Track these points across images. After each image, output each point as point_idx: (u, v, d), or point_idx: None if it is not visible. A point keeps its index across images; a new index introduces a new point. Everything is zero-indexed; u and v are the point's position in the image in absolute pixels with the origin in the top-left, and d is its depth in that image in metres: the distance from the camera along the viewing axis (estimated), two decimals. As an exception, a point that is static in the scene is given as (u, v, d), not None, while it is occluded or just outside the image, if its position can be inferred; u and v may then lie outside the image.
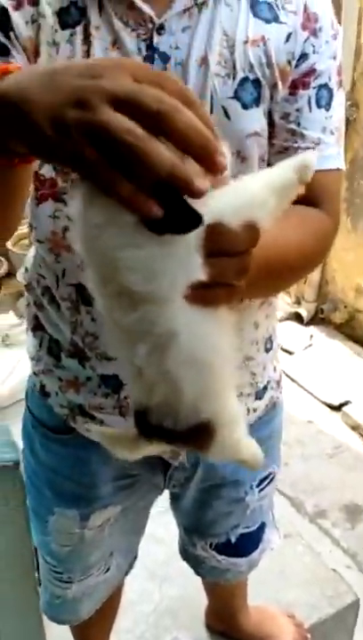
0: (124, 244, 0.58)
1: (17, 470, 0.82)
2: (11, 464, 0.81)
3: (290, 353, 2.88)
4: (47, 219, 0.92)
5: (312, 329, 3.08)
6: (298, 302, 3.11)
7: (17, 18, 0.84)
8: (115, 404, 1.01)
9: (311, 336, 3.03)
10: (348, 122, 2.65)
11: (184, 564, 1.58)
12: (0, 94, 0.59)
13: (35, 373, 1.11)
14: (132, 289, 0.59)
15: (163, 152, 0.54)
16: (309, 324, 3.10)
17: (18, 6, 0.84)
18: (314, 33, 0.88)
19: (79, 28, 0.84)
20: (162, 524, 1.49)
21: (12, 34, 0.84)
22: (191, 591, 1.68)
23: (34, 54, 0.85)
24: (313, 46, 0.88)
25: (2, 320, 2.71)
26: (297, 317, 3.09)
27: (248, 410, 1.10)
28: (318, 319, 3.12)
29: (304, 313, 3.07)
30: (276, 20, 0.87)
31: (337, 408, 2.67)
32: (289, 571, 1.76)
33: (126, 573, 1.39)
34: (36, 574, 0.90)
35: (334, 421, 2.63)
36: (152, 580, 1.74)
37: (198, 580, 1.58)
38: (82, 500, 1.15)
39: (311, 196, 0.89)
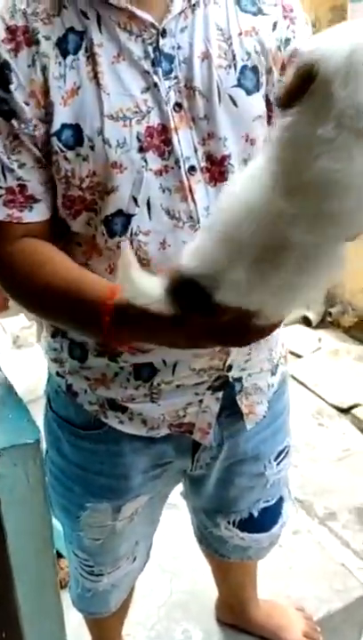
0: None
1: (37, 448, 0.85)
2: (31, 442, 0.84)
3: (299, 356, 2.90)
4: (84, 226, 0.97)
5: (321, 332, 3.10)
6: (306, 306, 3.13)
7: (18, 64, 0.89)
8: (146, 392, 1.06)
9: (320, 339, 3.05)
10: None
11: (194, 560, 1.60)
12: None
13: (59, 375, 1.13)
14: None
15: None
16: (317, 327, 3.11)
17: (17, 50, 0.89)
18: (292, 21, 0.99)
19: (81, 52, 0.90)
20: (170, 521, 1.51)
21: (11, 86, 0.90)
22: (201, 585, 1.70)
23: (43, 94, 0.90)
24: (293, 32, 0.99)
25: (12, 322, 2.74)
26: (305, 321, 3.10)
27: (268, 385, 1.14)
28: (326, 322, 3.14)
29: (313, 316, 3.09)
30: (260, 12, 0.97)
31: (346, 411, 2.68)
32: (298, 566, 1.78)
33: (145, 562, 1.41)
34: (55, 550, 0.92)
35: (343, 424, 2.63)
36: (162, 575, 1.76)
37: (208, 575, 1.60)
38: (114, 493, 1.18)
39: None
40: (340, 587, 1.71)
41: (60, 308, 0.94)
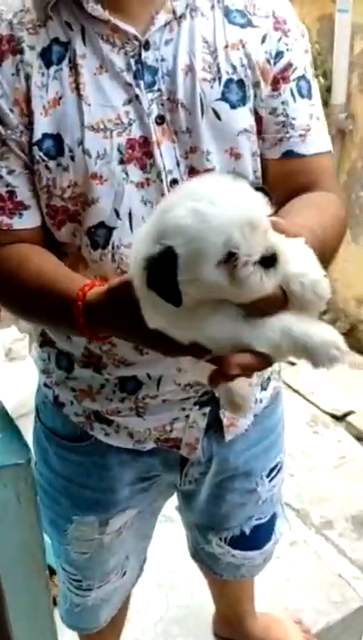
0: None
1: (28, 469, 0.84)
2: (22, 462, 0.83)
3: (293, 364, 2.88)
4: (70, 236, 0.96)
5: (314, 340, 3.09)
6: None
7: (3, 73, 0.90)
8: (131, 405, 1.05)
9: (313, 347, 3.04)
10: (344, 133, 2.69)
11: (190, 573, 1.58)
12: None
13: (46, 385, 1.13)
14: None
15: None
16: (311, 335, 3.10)
17: (0, 60, 0.90)
18: (285, 33, 0.97)
19: (65, 62, 0.90)
20: (166, 534, 1.50)
21: None
22: (198, 599, 1.68)
23: (25, 102, 0.90)
24: (286, 44, 0.96)
25: (5, 335, 2.71)
26: (299, 329, 3.10)
27: (256, 400, 1.12)
28: (319, 330, 3.13)
29: (306, 324, 3.08)
30: (250, 24, 0.95)
31: (341, 418, 2.67)
32: (296, 578, 1.76)
33: (138, 576, 1.40)
34: (47, 571, 0.90)
35: (338, 432, 2.63)
36: (158, 590, 1.74)
37: (205, 588, 1.58)
38: (100, 506, 1.16)
39: (312, 180, 0.98)
40: (338, 598, 1.70)
41: (38, 312, 0.94)
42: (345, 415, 2.67)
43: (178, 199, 0.73)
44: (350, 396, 2.75)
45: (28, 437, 1.21)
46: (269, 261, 0.72)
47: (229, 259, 0.70)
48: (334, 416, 2.68)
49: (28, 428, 1.22)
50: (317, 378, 2.86)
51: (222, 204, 0.70)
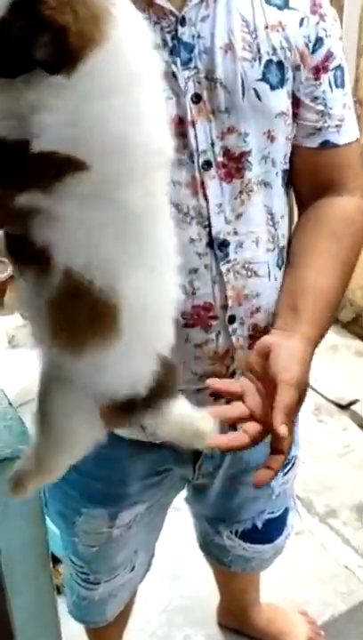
0: None
1: (31, 460, 0.81)
2: (25, 454, 0.81)
3: (297, 353, 2.87)
4: None
5: (319, 328, 3.07)
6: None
7: None
8: None
9: (318, 335, 3.02)
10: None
11: (195, 563, 1.57)
12: None
13: None
14: None
15: None
16: (315, 323, 3.08)
17: None
18: (322, 17, 0.95)
19: None
20: (172, 524, 1.48)
21: None
22: (203, 589, 1.68)
23: None
24: (325, 30, 0.95)
25: (8, 321, 2.70)
26: (304, 317, 3.08)
27: None
28: (324, 318, 3.11)
29: (311, 312, 3.06)
30: (287, 6, 0.93)
31: (346, 407, 2.66)
32: (301, 568, 1.75)
33: (146, 571, 1.38)
34: (52, 565, 0.89)
35: (343, 420, 2.61)
36: (163, 579, 1.73)
37: (210, 578, 1.57)
38: (110, 499, 1.15)
39: (339, 178, 1.00)
40: (343, 589, 1.69)
41: None
42: (350, 404, 2.65)
43: None
44: (354, 384, 2.73)
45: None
46: None
47: None
48: (338, 405, 2.67)
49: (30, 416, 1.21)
50: (321, 366, 2.84)
51: None
